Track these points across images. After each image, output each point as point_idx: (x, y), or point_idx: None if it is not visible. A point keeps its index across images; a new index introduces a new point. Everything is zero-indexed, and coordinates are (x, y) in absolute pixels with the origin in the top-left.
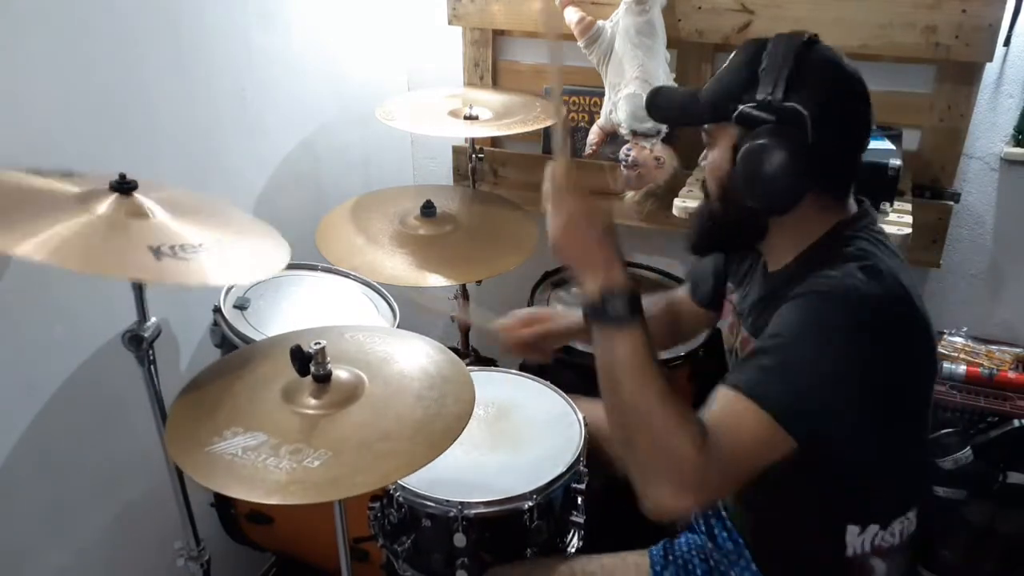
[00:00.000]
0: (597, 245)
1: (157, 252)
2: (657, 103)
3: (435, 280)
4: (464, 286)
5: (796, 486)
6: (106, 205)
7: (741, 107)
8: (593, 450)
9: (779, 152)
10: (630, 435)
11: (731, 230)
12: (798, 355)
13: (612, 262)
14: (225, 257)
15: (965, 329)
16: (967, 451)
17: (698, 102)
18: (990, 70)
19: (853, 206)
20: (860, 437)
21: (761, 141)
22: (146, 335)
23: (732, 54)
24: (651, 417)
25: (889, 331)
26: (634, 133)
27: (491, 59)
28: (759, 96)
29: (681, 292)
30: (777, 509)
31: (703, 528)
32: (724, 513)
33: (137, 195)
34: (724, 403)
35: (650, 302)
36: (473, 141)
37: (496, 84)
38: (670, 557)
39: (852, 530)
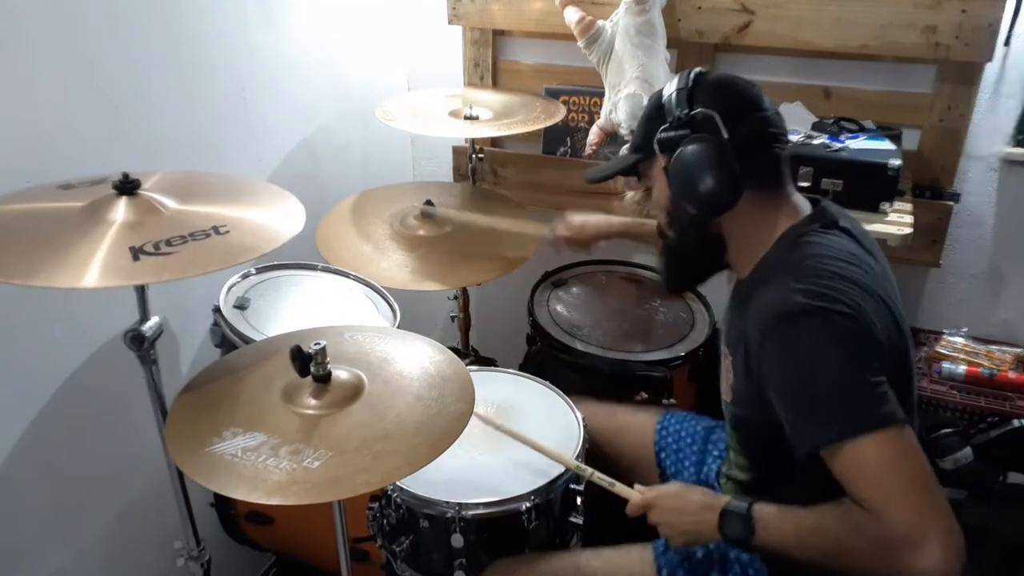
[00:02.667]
0: (688, 518)
1: (190, 239)
2: (593, 173)
3: (435, 284)
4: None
5: (789, 477)
6: (120, 211)
7: (658, 135)
8: (592, 450)
9: (702, 152)
10: (844, 563)
11: (692, 253)
12: (818, 381)
13: (704, 517)
14: (254, 228)
15: (965, 329)
16: (967, 451)
17: (627, 155)
18: (990, 70)
19: (805, 208)
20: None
21: (683, 149)
22: (148, 334)
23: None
24: (834, 543)
25: (851, 309)
26: (634, 133)
27: (491, 59)
28: (669, 119)
29: None
30: (769, 496)
31: None
32: None
33: (143, 192)
34: (840, 469)
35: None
36: (473, 141)
37: (496, 84)
38: (672, 549)
39: None
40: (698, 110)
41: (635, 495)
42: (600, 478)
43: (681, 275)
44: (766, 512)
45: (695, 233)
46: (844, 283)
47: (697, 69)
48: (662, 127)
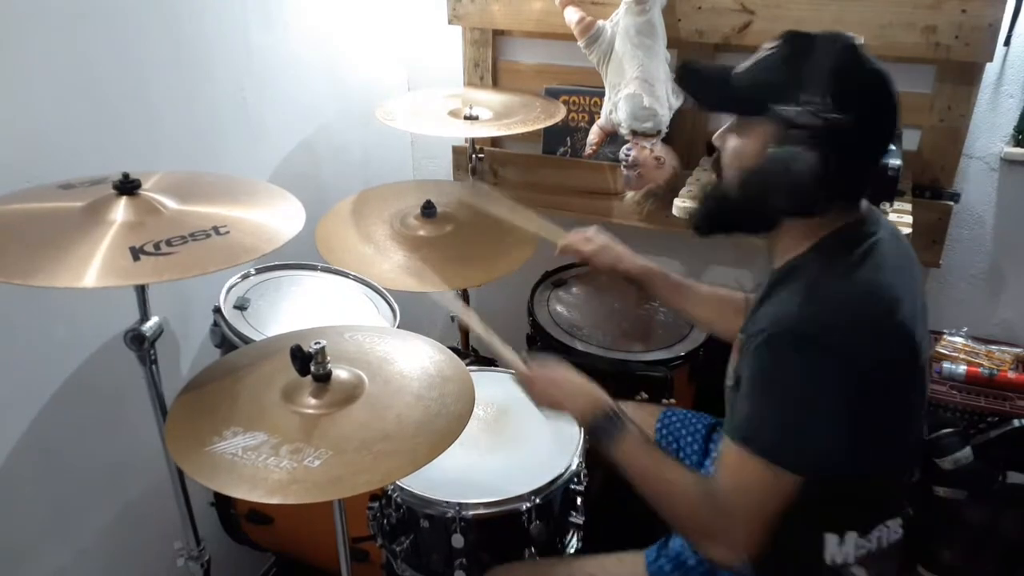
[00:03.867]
0: (563, 393)
1: (191, 239)
2: (690, 81)
3: (435, 285)
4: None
5: None
6: (120, 211)
7: (783, 108)
8: (592, 451)
9: (813, 161)
10: (663, 512)
11: (741, 217)
12: (769, 397)
13: (580, 396)
14: (254, 228)
15: (965, 329)
16: (967, 451)
17: (732, 88)
18: (990, 70)
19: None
20: (851, 454)
21: (797, 148)
22: (148, 334)
23: (770, 46)
24: (668, 495)
25: (845, 353)
26: (634, 133)
27: (491, 59)
28: (803, 100)
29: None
30: None
31: None
32: None
33: (143, 192)
34: (724, 457)
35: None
36: (473, 141)
37: (496, 84)
38: (664, 556)
39: (831, 539)
40: (835, 116)
41: (522, 366)
42: (495, 345)
43: (716, 226)
44: (633, 439)
45: (758, 209)
46: (851, 316)
47: (850, 39)
48: (790, 103)
